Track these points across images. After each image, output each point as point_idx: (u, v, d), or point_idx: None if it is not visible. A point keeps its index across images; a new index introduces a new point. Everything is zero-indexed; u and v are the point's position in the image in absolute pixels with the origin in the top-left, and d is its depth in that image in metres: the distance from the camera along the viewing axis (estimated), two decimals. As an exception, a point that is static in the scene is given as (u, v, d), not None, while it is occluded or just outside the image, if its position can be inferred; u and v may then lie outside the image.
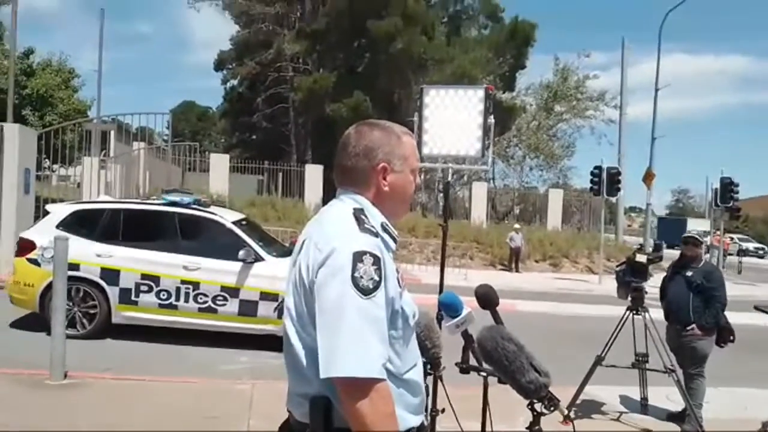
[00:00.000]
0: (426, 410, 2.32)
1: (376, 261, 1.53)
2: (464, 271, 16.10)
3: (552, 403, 1.88)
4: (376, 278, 1.52)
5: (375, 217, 1.68)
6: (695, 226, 52.12)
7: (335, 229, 1.61)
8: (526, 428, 1.95)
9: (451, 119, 4.09)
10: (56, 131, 14.42)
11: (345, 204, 1.69)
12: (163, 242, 7.42)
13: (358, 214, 1.63)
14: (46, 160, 16.24)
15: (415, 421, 1.68)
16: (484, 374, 2.13)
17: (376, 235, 1.61)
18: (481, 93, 4.12)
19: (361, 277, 1.50)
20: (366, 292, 1.50)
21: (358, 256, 1.52)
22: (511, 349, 1.85)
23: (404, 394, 1.63)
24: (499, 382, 2.00)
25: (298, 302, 1.61)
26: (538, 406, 1.92)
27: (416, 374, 1.70)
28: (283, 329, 1.67)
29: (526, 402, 1.93)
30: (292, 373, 1.67)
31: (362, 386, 1.47)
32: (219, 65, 38.89)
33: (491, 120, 4.09)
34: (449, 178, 4.16)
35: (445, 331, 2.17)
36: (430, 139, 4.19)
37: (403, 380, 1.64)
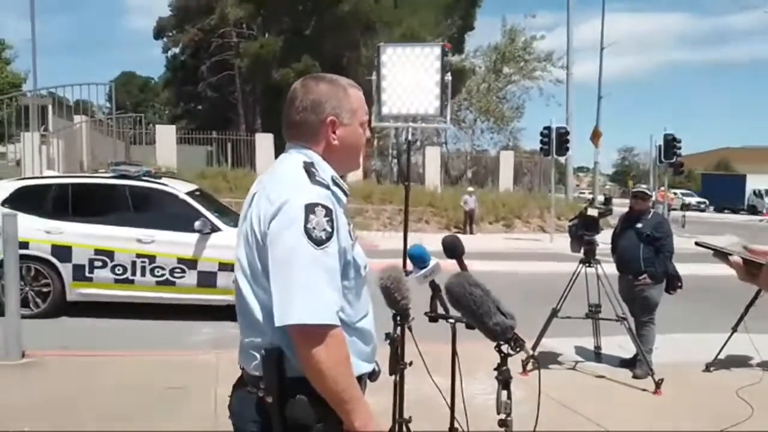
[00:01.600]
0: (396, 363, 2.40)
1: (328, 213, 1.56)
2: (420, 234, 16.28)
3: (518, 344, 1.95)
4: (329, 229, 1.55)
5: (325, 171, 1.69)
6: (758, 183, 40.87)
7: (287, 182, 1.62)
8: (495, 369, 2.02)
9: (409, 78, 4.11)
10: (-10, 106, 13.76)
11: (295, 158, 1.70)
12: (115, 216, 7.27)
13: (309, 168, 1.64)
14: (-19, 137, 15.54)
15: (367, 367, 1.74)
16: (452, 321, 2.20)
17: (327, 187, 1.63)
18: (437, 51, 4.15)
19: (314, 228, 1.53)
20: (319, 242, 1.53)
21: (310, 208, 1.54)
22: (478, 294, 1.91)
23: (356, 342, 1.68)
24: (467, 327, 2.07)
25: (250, 255, 1.62)
26: (504, 348, 1.99)
27: (368, 323, 1.75)
28: (235, 284, 1.68)
29: (494, 344, 2.01)
30: (244, 325, 1.69)
31: (317, 333, 1.50)
32: (159, 33, 37.50)
33: (448, 77, 4.13)
34: (409, 137, 4.19)
35: (413, 281, 2.23)
36: (389, 98, 4.20)
37: (356, 329, 1.68)
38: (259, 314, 1.61)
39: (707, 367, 5.68)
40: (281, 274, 1.53)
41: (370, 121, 2.10)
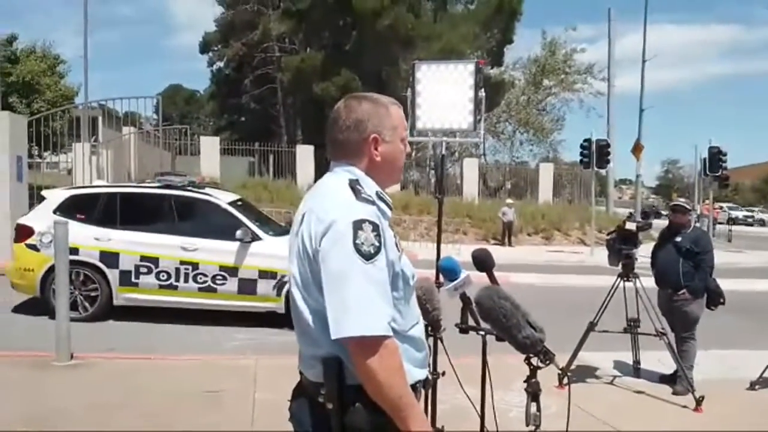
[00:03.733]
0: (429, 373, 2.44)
1: (375, 228, 1.62)
2: (458, 246, 16.24)
3: (547, 357, 1.99)
4: (377, 244, 1.61)
5: (370, 187, 1.75)
6: None
7: (334, 200, 1.69)
8: (524, 381, 2.06)
9: (443, 93, 4.19)
10: (45, 118, 14.35)
11: (340, 176, 1.77)
12: (161, 224, 7.52)
13: (354, 185, 1.71)
14: (35, 147, 16.18)
15: (421, 374, 1.79)
16: (483, 333, 2.24)
17: (373, 203, 1.69)
18: (471, 67, 4.22)
19: (362, 243, 1.59)
20: (368, 257, 1.59)
21: (358, 224, 1.60)
22: (507, 307, 1.96)
23: (409, 350, 1.73)
24: (497, 339, 2.11)
25: (303, 271, 1.70)
26: (534, 361, 2.03)
27: (418, 331, 1.81)
28: (291, 297, 1.76)
29: (523, 357, 2.05)
30: (302, 337, 1.76)
31: (371, 344, 1.56)
32: (204, 47, 38.52)
33: (482, 93, 4.20)
34: (443, 152, 4.26)
35: (444, 294, 2.27)
36: (423, 113, 4.29)
37: (407, 337, 1.74)
38: (316, 326, 1.67)
39: (752, 385, 5.54)
40: (334, 289, 1.60)
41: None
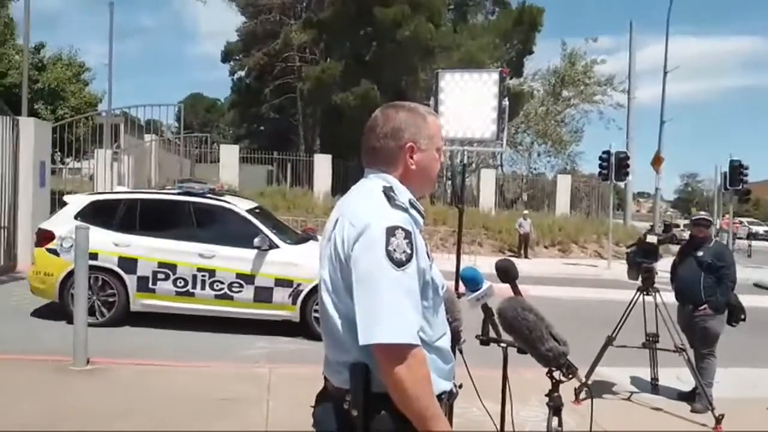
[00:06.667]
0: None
1: (408, 235, 1.62)
2: (473, 257, 16.17)
3: (570, 370, 1.96)
4: (408, 251, 1.61)
5: (403, 194, 1.75)
6: None
7: (368, 206, 1.69)
8: (546, 395, 2.03)
9: (466, 102, 4.18)
10: (69, 124, 14.56)
11: (374, 183, 1.77)
12: (179, 231, 7.54)
13: (388, 192, 1.71)
14: (58, 153, 16.41)
15: (446, 385, 1.78)
16: (504, 345, 2.21)
17: (406, 210, 1.69)
18: (495, 76, 4.20)
19: (394, 250, 1.59)
20: (399, 264, 1.59)
21: (390, 231, 1.60)
22: (531, 319, 1.94)
23: (436, 360, 1.72)
24: (519, 351, 2.08)
25: (334, 275, 1.69)
26: (556, 374, 2.00)
27: (446, 342, 1.80)
28: (320, 301, 1.76)
29: (545, 370, 2.02)
30: (329, 342, 1.75)
31: (399, 352, 1.56)
32: (226, 57, 38.83)
33: (505, 102, 4.17)
34: (465, 161, 4.25)
35: (465, 304, 2.25)
36: (446, 122, 4.28)
37: (435, 347, 1.73)
38: (345, 331, 1.67)
39: (773, 405, 5.43)
40: (364, 295, 1.60)
41: None
